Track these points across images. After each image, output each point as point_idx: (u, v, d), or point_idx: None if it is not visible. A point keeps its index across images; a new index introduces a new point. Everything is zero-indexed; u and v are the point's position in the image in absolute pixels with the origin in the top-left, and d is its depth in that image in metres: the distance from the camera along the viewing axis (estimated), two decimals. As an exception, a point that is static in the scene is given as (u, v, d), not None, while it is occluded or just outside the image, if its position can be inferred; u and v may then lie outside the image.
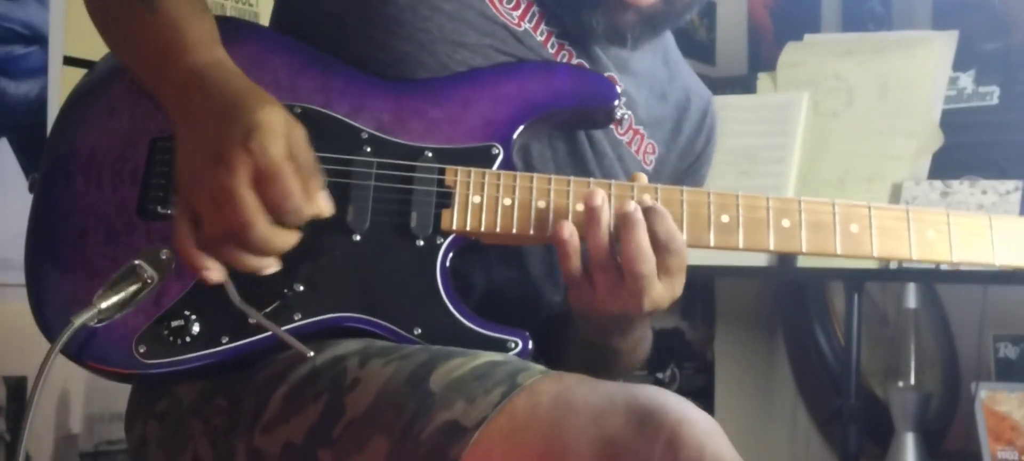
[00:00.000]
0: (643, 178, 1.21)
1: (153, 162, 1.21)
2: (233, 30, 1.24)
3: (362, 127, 1.21)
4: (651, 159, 1.40)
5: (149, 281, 1.15)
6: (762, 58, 3.34)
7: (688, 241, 1.18)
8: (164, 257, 1.16)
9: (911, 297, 2.84)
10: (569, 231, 1.14)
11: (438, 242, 1.18)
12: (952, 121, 2.43)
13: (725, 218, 1.19)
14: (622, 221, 1.13)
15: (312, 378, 1.12)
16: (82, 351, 1.15)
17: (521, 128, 1.23)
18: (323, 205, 1.12)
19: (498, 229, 1.18)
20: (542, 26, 1.30)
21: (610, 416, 0.98)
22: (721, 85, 3.04)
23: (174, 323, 1.14)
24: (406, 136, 1.21)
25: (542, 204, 1.18)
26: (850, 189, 2.38)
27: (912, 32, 2.67)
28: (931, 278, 2.74)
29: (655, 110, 1.40)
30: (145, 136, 1.22)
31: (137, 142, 1.22)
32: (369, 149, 1.20)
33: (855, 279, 2.46)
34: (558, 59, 1.31)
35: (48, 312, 1.18)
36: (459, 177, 1.19)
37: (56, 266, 1.19)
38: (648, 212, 1.13)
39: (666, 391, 1.00)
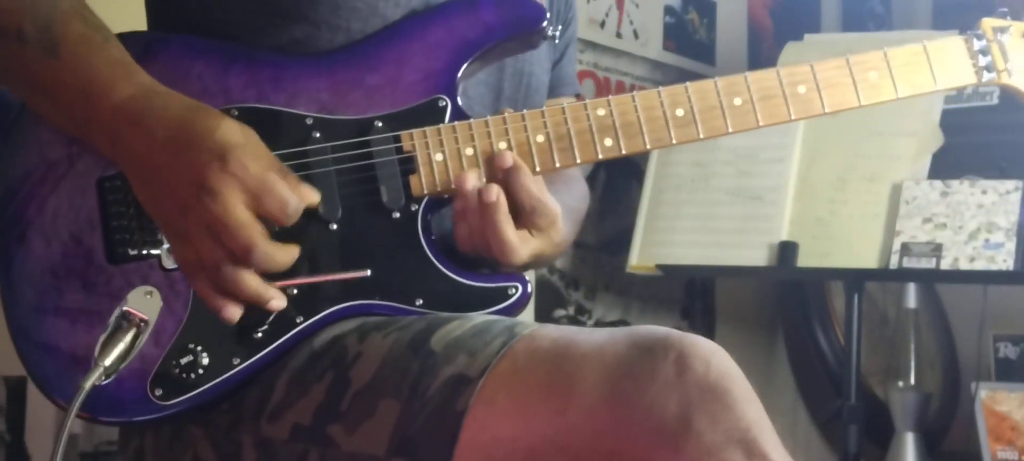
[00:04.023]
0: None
1: (107, 203, 1.17)
2: (145, 47, 1.19)
3: (305, 113, 1.18)
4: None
5: (142, 325, 1.13)
6: (762, 58, 3.34)
7: (649, 144, 1.21)
8: (149, 297, 1.14)
9: (911, 297, 2.83)
10: (459, 205, 1.17)
11: (413, 209, 1.17)
12: (952, 121, 2.43)
13: (680, 112, 1.21)
14: (483, 212, 1.15)
15: (313, 361, 1.12)
16: (96, 410, 1.12)
17: (461, 72, 1.21)
18: (311, 195, 1.13)
19: None
20: None
21: (612, 347, 1.00)
22: (721, 85, 3.03)
23: (183, 359, 1.12)
24: (351, 111, 1.19)
25: (503, 145, 1.18)
26: (850, 189, 2.37)
27: (912, 32, 2.67)
28: (931, 278, 2.73)
29: None
30: (89, 179, 1.17)
31: (84, 187, 1.17)
32: (318, 133, 1.17)
33: (855, 279, 2.46)
34: None
35: (52, 381, 1.14)
36: (416, 140, 1.17)
37: (43, 334, 1.15)
38: (508, 175, 1.15)
39: None
